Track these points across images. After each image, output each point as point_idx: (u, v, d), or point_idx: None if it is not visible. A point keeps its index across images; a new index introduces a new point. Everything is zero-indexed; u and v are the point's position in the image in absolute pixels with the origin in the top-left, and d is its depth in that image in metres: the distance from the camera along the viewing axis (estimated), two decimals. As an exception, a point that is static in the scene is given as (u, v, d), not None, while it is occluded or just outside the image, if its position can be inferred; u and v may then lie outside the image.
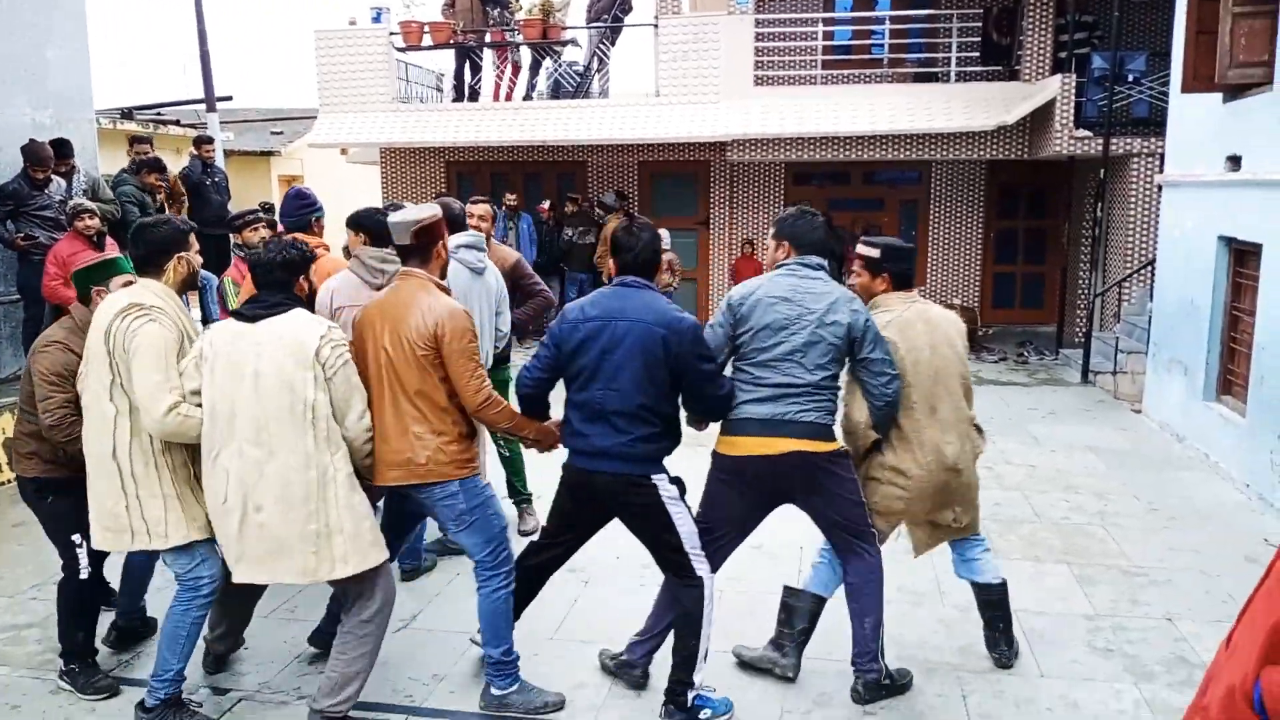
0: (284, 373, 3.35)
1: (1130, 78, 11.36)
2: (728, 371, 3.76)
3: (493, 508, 3.77)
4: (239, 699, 3.92)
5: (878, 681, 3.86)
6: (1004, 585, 4.12)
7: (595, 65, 13.96)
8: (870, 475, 3.89)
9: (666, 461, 3.65)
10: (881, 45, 13.78)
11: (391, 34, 13.59)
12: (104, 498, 3.54)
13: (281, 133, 20.41)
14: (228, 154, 15.75)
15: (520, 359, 4.36)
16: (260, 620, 4.59)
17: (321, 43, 13.70)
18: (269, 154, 19.27)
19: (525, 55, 13.98)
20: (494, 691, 3.79)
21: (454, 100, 14.24)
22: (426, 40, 13.64)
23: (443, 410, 3.60)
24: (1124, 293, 11.31)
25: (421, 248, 3.69)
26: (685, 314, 3.57)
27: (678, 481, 3.65)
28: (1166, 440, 8.01)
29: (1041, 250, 13.88)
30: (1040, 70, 12.17)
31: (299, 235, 4.99)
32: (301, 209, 5.11)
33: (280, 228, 5.51)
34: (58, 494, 3.93)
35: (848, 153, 12.76)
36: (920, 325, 3.86)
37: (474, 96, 14.18)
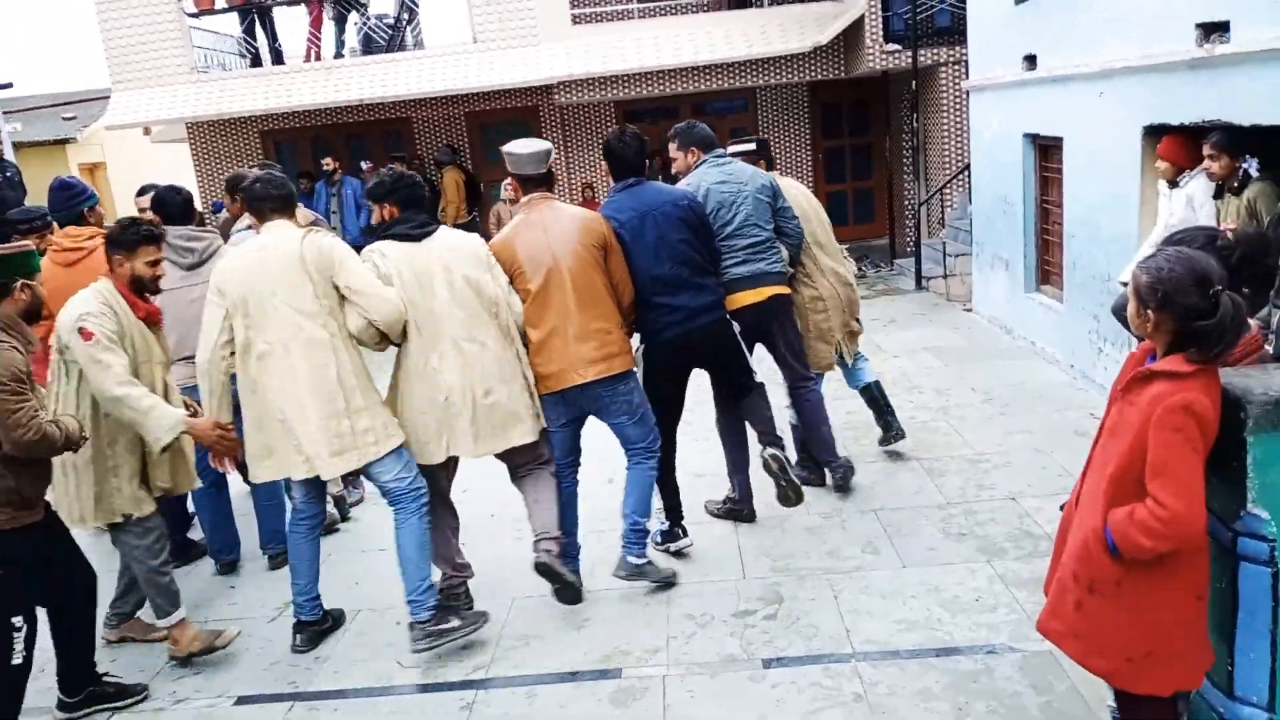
0: (469, 277, 3.85)
1: (931, -11, 11.78)
2: None
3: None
4: (113, 711, 3.73)
5: (850, 468, 5.09)
6: (878, 383, 5.55)
7: (405, 16, 13.49)
8: (801, 312, 4.96)
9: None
10: (694, -26, 13.82)
11: (180, -2, 12.75)
12: (328, 422, 3.68)
13: (75, 117, 18.93)
14: (17, 146, 14.53)
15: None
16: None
17: (104, 13, 12.74)
18: (65, 142, 17.87)
19: (329, 10, 13.37)
20: (632, 560, 4.22)
21: (251, 66, 13.50)
22: (220, 3, 12.86)
23: (613, 307, 4.12)
24: (946, 199, 11.85)
25: (550, 174, 4.23)
26: (683, 188, 4.49)
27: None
28: (996, 333, 8.51)
29: (868, 166, 14.37)
30: (848, -12, 12.48)
31: (72, 229, 4.68)
32: (69, 200, 4.76)
33: (53, 226, 5.09)
34: (16, 556, 3.34)
35: (674, 86, 12.81)
36: (792, 190, 5.06)
37: (278, 60, 13.49)
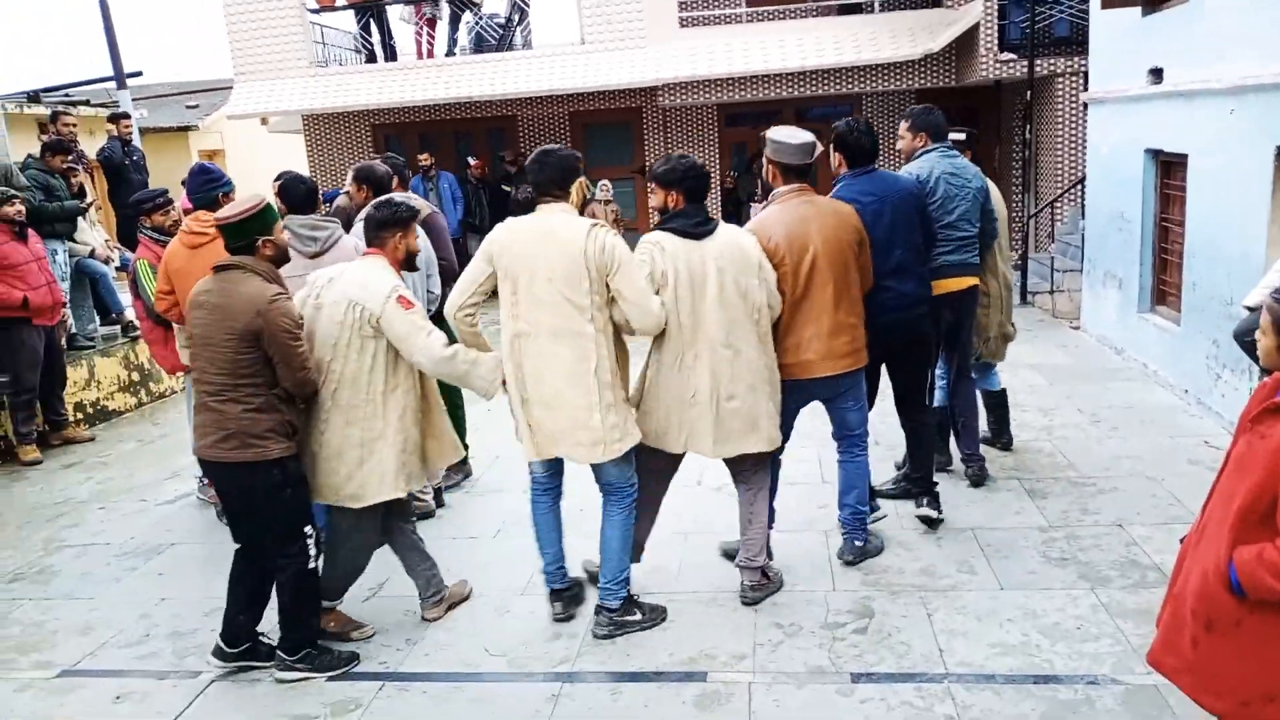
0: (739, 282, 3.89)
1: (1050, -3, 11.43)
2: None
3: None
4: (211, 680, 3.87)
5: (985, 466, 5.34)
6: (1005, 391, 5.80)
7: (516, 17, 13.69)
8: None
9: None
10: (804, -21, 13.68)
11: (303, -5, 13.17)
12: (579, 414, 3.75)
13: (197, 106, 19.74)
14: (142, 131, 15.21)
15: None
16: (224, 602, 4.54)
17: (231, 9, 13.24)
18: (186, 129, 18.63)
19: (444, 9, 13.65)
20: (856, 544, 4.50)
21: (366, 62, 13.86)
22: (341, 0, 13.24)
23: (860, 301, 4.26)
24: (1056, 212, 11.49)
25: (809, 169, 4.23)
26: (910, 174, 4.70)
27: None
28: (1105, 353, 8.21)
29: (974, 176, 13.99)
30: (962, -5, 12.20)
31: (203, 213, 4.88)
32: (207, 185, 4.96)
33: (188, 205, 5.33)
34: (299, 476, 3.73)
35: (778, 90, 12.72)
36: (993, 192, 5.07)
37: (392, 56, 13.83)
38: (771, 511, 4.40)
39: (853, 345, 4.19)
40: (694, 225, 3.90)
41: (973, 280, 4.92)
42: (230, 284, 3.58)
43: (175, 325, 5.25)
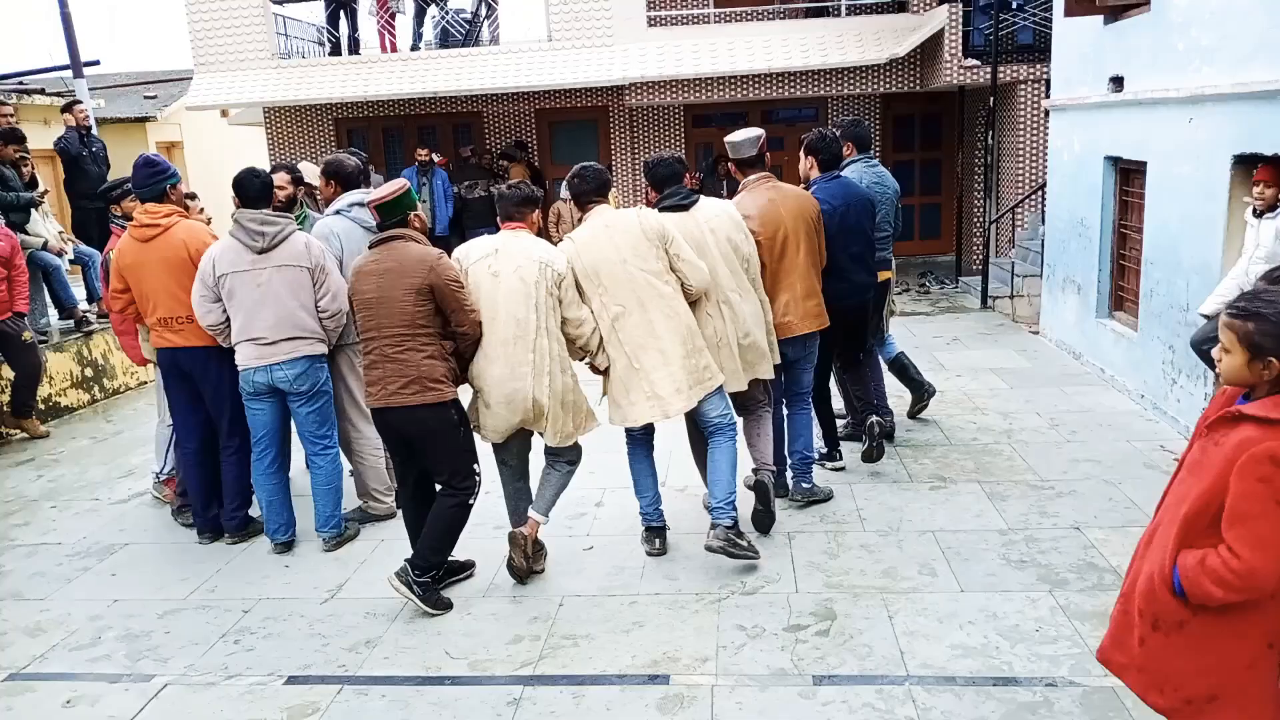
0: (730, 238, 4.55)
1: (1014, 4, 11.57)
2: None
3: None
4: (165, 684, 3.80)
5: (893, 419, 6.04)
6: (902, 353, 6.43)
7: (484, 12, 13.61)
8: None
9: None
10: (772, -19, 13.74)
11: (267, -15, 12.98)
12: (687, 360, 4.30)
13: (155, 96, 19.36)
14: (100, 122, 14.90)
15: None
16: (179, 603, 4.47)
17: (192, -2, 13.03)
18: (144, 120, 18.28)
19: (407, 3, 13.53)
20: (804, 485, 5.16)
21: (331, 54, 13.70)
22: (305, -9, 13.07)
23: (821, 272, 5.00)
24: (1017, 218, 11.63)
25: (762, 156, 4.92)
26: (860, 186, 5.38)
27: None
28: (1064, 358, 8.32)
29: (937, 181, 14.16)
30: (928, 1, 12.30)
31: (151, 206, 4.79)
32: (153, 177, 4.87)
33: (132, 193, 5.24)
34: (464, 417, 4.23)
35: (745, 92, 12.75)
36: None
37: (355, 49, 13.68)
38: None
39: (820, 308, 4.90)
40: (682, 199, 4.55)
41: (889, 274, 5.77)
42: (396, 251, 4.11)
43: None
